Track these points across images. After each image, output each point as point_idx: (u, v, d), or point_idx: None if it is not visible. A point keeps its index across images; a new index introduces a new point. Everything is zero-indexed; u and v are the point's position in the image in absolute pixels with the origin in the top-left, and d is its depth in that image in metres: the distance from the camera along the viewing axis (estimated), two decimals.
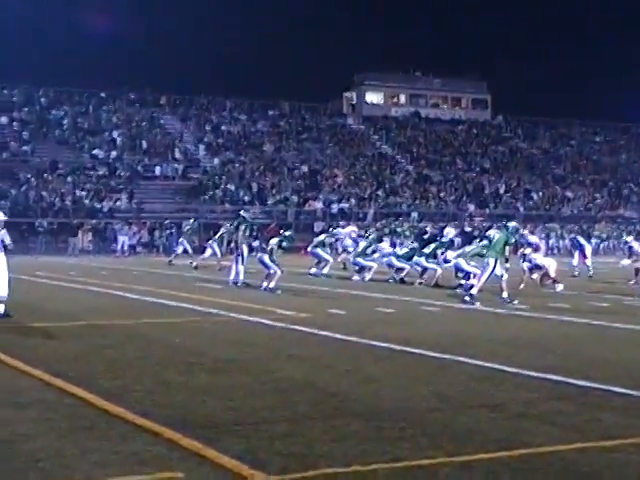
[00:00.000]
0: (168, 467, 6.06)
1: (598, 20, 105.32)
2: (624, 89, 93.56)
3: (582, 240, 29.99)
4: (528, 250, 23.40)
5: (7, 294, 14.94)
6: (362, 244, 27.14)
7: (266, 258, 21.59)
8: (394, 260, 25.31)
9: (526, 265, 22.81)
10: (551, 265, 22.56)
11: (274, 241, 22.21)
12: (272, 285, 21.18)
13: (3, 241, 15.15)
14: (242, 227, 23.46)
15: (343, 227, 33.80)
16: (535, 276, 22.79)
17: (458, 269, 22.49)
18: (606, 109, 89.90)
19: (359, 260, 26.30)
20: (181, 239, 36.00)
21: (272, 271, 21.38)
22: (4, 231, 15.27)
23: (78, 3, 78.82)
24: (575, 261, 28.84)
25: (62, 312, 16.51)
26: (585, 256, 28.66)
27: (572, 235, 34.70)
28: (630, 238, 28.29)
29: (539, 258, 22.85)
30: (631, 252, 25.46)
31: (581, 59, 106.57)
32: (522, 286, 22.20)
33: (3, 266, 15.00)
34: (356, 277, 25.88)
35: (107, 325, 14.45)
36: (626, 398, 8.49)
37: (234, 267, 23.19)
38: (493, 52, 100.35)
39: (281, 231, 24.06)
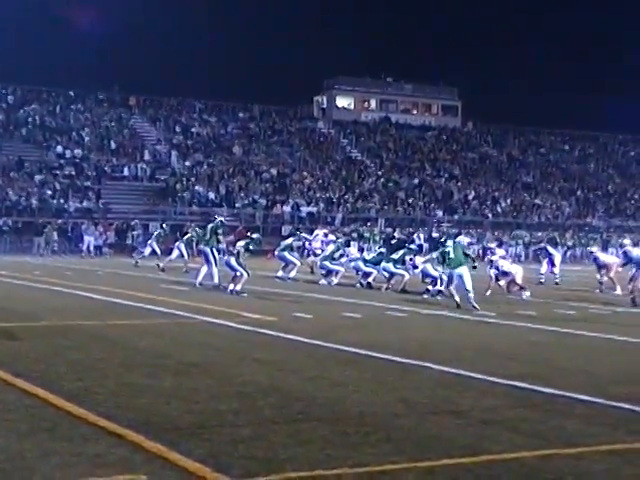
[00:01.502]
0: (131, 469, 6.02)
1: (569, 29, 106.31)
2: (594, 99, 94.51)
3: (551, 249, 30.20)
4: (495, 257, 23.57)
5: None
6: (330, 248, 27.18)
7: (233, 261, 21.54)
8: (361, 265, 25.35)
9: (493, 272, 22.95)
10: (518, 272, 22.70)
11: (241, 244, 22.18)
12: (239, 288, 21.13)
13: None
14: (220, 231, 23.49)
15: (326, 235, 33.46)
16: (502, 283, 22.93)
17: (425, 274, 22.66)
18: (575, 118, 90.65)
19: (326, 264, 26.31)
20: (150, 241, 35.82)
21: (239, 274, 21.34)
22: None
23: (47, 2, 78.33)
24: (543, 269, 29.01)
25: (25, 312, 16.39)
26: (554, 264, 28.85)
27: (541, 245, 34.88)
28: (595, 249, 28.51)
29: (506, 265, 22.99)
30: (597, 263, 25.63)
31: (552, 68, 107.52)
32: (489, 293, 22.32)
33: None
34: (323, 281, 25.88)
35: (71, 326, 14.34)
36: (590, 406, 8.54)
37: (209, 270, 23.12)
38: (464, 59, 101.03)
39: (248, 234, 24.03)
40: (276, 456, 6.45)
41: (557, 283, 27.83)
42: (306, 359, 11.28)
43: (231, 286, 21.34)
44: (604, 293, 24.24)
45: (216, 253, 23.11)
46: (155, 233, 36.46)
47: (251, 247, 22.09)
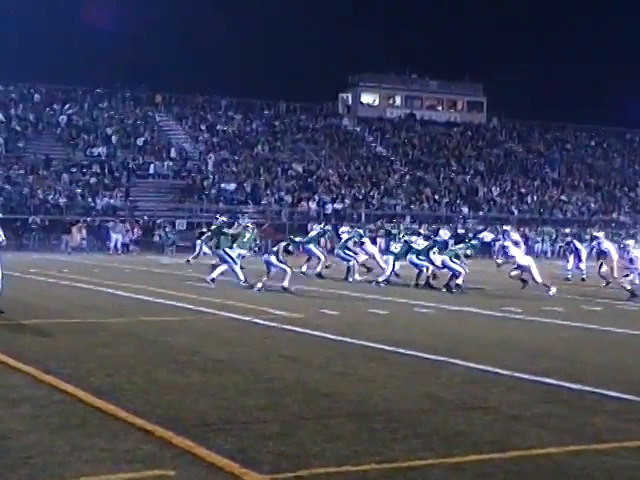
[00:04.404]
0: (159, 465, 6.04)
1: (593, 24, 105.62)
2: (620, 94, 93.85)
3: (578, 244, 30.16)
4: (508, 243, 23.63)
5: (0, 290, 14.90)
6: (344, 237, 27.04)
7: (273, 259, 21.56)
8: (392, 259, 25.10)
9: (500, 260, 23.13)
10: (530, 265, 22.56)
11: (282, 244, 22.22)
12: (286, 284, 21.03)
13: None
14: (224, 230, 23.45)
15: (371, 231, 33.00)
16: (514, 274, 22.82)
17: (445, 266, 22.64)
18: (601, 113, 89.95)
19: (339, 252, 26.28)
20: (199, 241, 35.67)
21: (281, 271, 21.35)
22: None
23: (74, 1, 78.63)
24: (570, 265, 28.95)
25: (54, 309, 16.49)
26: (580, 260, 28.78)
27: (569, 239, 34.74)
28: (601, 234, 28.54)
29: (519, 256, 22.79)
30: (600, 249, 25.68)
31: (577, 64, 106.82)
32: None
33: None
34: (357, 277, 25.74)
35: (99, 323, 14.41)
36: (619, 402, 8.50)
37: (232, 269, 23.10)
38: (490, 55, 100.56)
39: (290, 236, 24.09)
40: (304, 452, 6.45)
41: (584, 279, 27.72)
42: (333, 355, 11.27)
43: (259, 284, 21.35)
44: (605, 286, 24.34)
45: (231, 252, 22.98)
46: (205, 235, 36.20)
47: (290, 248, 22.09)
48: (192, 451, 6.39)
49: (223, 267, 23.27)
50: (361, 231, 29.37)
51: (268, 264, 21.77)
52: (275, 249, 22.10)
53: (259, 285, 21.32)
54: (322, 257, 27.63)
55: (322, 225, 31.91)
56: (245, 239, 24.77)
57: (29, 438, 6.71)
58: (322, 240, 28.97)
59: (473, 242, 24.24)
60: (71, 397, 8.23)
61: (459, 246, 23.53)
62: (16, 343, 11.76)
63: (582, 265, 28.69)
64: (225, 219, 25.56)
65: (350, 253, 26.26)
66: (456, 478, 5.95)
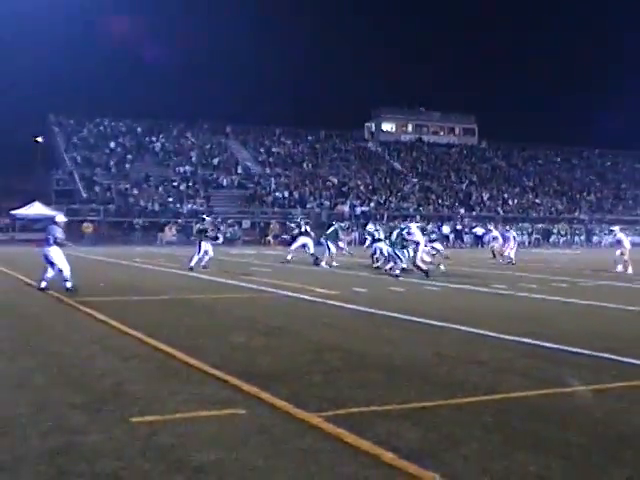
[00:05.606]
0: (234, 406, 6.11)
1: (555, 64, 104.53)
2: (579, 121, 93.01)
3: (514, 233, 29.20)
4: (479, 230, 22.72)
5: (69, 275, 14.90)
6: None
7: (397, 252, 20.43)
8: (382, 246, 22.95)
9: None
10: (419, 244, 20.85)
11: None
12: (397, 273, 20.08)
13: (56, 236, 14.94)
14: (206, 227, 23.28)
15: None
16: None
17: (390, 255, 21.09)
18: (565, 136, 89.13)
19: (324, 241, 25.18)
20: (322, 239, 32.27)
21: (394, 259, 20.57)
22: (60, 229, 15.11)
23: (162, 47, 79.28)
24: (506, 252, 27.89)
25: (152, 289, 16.57)
26: (503, 246, 28.05)
27: (507, 227, 32.39)
28: (480, 230, 27.87)
29: (418, 235, 21.09)
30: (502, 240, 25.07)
31: (549, 99, 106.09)
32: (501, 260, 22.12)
33: (60, 256, 14.93)
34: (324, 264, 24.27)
35: (186, 299, 14.48)
36: (580, 356, 8.42)
37: (197, 256, 22.60)
38: (480, 93, 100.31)
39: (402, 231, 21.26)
40: (341, 396, 6.47)
41: (513, 263, 26.66)
42: (363, 323, 11.26)
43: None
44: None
45: (204, 245, 22.46)
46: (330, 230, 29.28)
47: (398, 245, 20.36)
48: (258, 395, 6.43)
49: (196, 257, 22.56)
50: (344, 224, 29.04)
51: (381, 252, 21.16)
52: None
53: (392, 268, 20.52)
54: (333, 250, 24.95)
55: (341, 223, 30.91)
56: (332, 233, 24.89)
57: (138, 384, 6.82)
58: (340, 234, 26.10)
59: (403, 229, 21.07)
60: (166, 355, 8.30)
61: (395, 234, 20.73)
62: (126, 314, 11.85)
63: (506, 250, 27.75)
64: (209, 218, 25.04)
65: (330, 243, 24.88)
66: (458, 415, 5.95)
